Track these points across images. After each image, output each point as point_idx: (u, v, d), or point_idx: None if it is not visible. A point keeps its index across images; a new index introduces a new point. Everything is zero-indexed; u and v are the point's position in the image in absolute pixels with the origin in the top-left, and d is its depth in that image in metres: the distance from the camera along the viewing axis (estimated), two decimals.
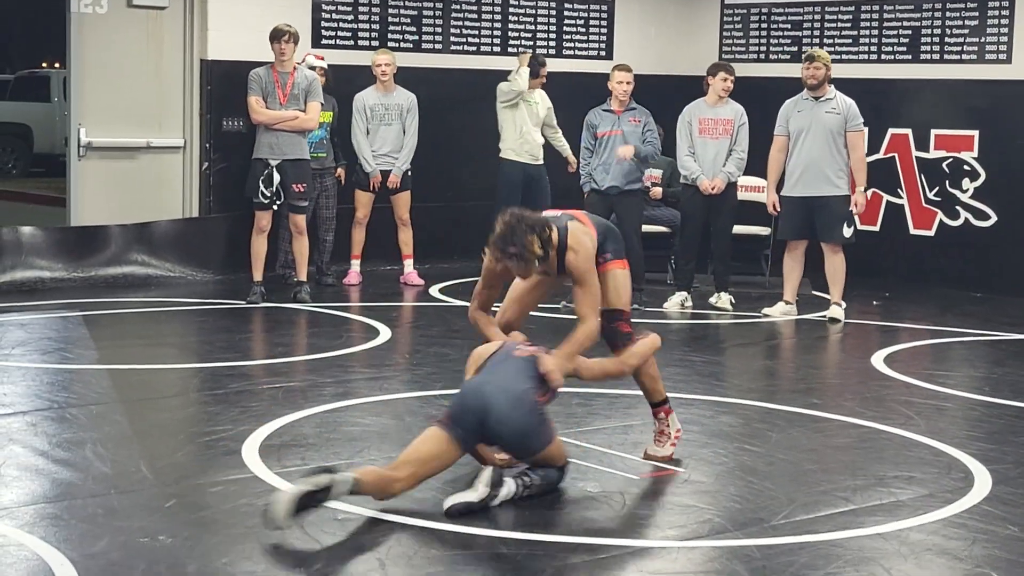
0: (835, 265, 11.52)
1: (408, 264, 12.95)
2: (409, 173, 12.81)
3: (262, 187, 11.49)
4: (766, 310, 11.68)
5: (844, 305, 11.54)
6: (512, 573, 5.42)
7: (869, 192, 11.55)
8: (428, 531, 5.85)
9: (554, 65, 14.43)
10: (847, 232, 11.42)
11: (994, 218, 13.11)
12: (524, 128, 12.84)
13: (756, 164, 12.11)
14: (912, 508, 6.34)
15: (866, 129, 11.65)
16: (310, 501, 5.75)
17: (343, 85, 12.79)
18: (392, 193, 12.78)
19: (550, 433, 6.39)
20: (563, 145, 13.20)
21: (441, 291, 12.46)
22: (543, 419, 6.37)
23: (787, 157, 11.55)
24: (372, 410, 7.97)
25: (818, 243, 11.58)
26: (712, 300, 11.97)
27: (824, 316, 11.54)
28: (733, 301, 11.96)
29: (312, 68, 12.22)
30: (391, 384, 8.69)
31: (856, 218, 11.49)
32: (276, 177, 11.49)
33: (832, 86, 11.47)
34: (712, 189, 11.76)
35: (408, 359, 9.71)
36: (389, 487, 6.06)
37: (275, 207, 11.61)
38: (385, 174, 12.67)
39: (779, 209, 11.65)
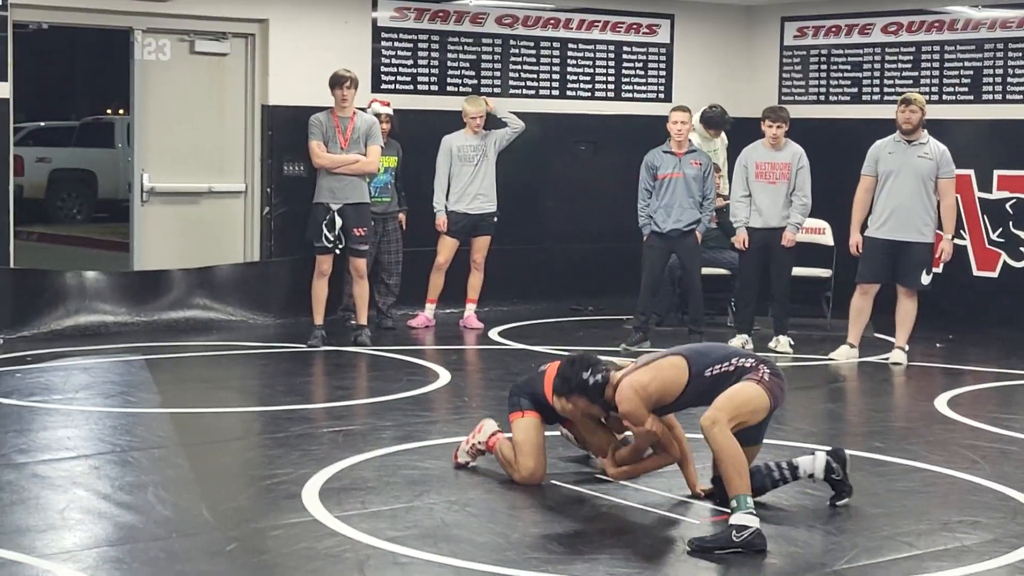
0: (908, 310, 11.40)
1: (470, 308, 12.97)
2: (496, 220, 12.86)
3: (325, 231, 11.53)
4: (832, 354, 11.58)
5: (908, 349, 11.44)
6: None
7: (953, 239, 11.48)
8: (488, 575, 5.82)
9: (613, 108, 14.49)
10: (926, 279, 11.33)
11: None
12: None
13: (817, 206, 12.04)
14: (978, 554, 6.27)
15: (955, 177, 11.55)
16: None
17: (404, 129, 12.84)
18: (473, 235, 12.84)
19: None
20: None
21: (500, 334, 12.46)
22: None
23: (873, 198, 11.45)
24: (431, 453, 7.96)
25: (887, 286, 11.49)
26: (771, 344, 11.86)
27: (887, 359, 11.46)
28: (792, 343, 11.89)
29: (378, 115, 12.28)
30: (450, 427, 8.67)
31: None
32: (338, 221, 11.54)
33: (925, 131, 11.38)
34: (787, 243, 11.74)
35: (468, 402, 9.71)
36: None
37: (337, 251, 11.65)
38: (468, 216, 12.74)
39: (861, 251, 11.53)
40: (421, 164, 12.84)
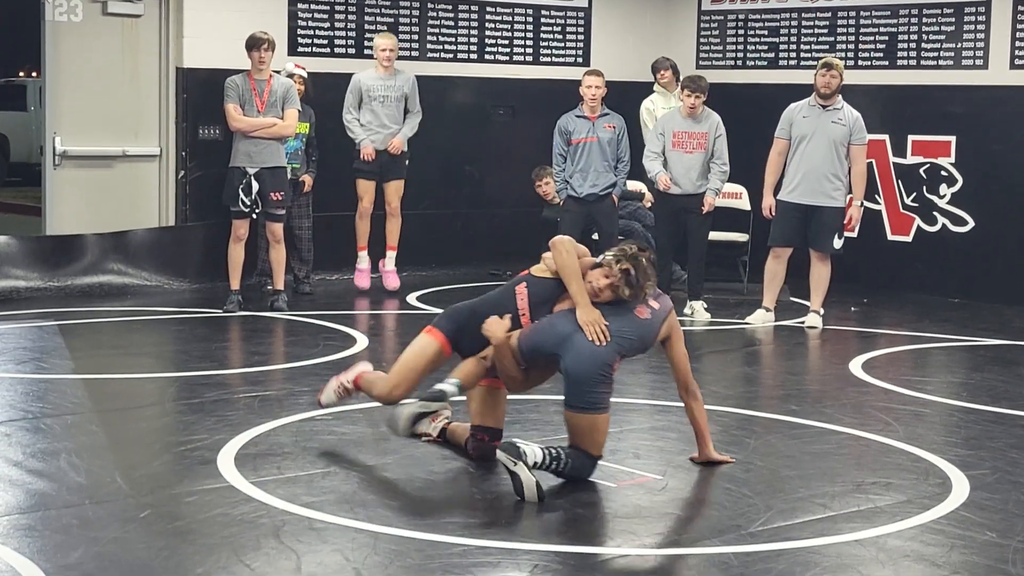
0: (821, 274, 11.51)
1: (391, 257, 12.83)
2: (407, 162, 12.72)
3: (241, 195, 11.44)
4: (748, 318, 11.65)
5: (823, 313, 11.53)
6: None
7: (861, 204, 11.55)
8: (405, 539, 5.82)
9: (531, 72, 14.47)
10: (837, 243, 11.41)
11: (971, 224, 13.13)
12: None
13: (734, 171, 12.08)
14: (890, 514, 6.34)
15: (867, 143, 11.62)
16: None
17: (320, 93, 12.75)
18: (384, 181, 12.70)
19: (605, 402, 6.61)
20: None
21: (418, 299, 12.44)
22: (607, 382, 6.61)
23: (786, 161, 11.51)
24: (348, 419, 7.93)
25: (801, 250, 11.58)
26: (686, 311, 11.88)
27: (802, 323, 11.54)
28: (707, 308, 11.93)
29: (291, 75, 12.17)
30: None
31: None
32: (255, 185, 11.45)
33: (841, 97, 11.44)
34: (708, 207, 11.70)
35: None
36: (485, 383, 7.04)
37: (254, 215, 11.57)
38: (379, 152, 12.51)
39: (774, 213, 11.59)
40: (337, 127, 12.74)
